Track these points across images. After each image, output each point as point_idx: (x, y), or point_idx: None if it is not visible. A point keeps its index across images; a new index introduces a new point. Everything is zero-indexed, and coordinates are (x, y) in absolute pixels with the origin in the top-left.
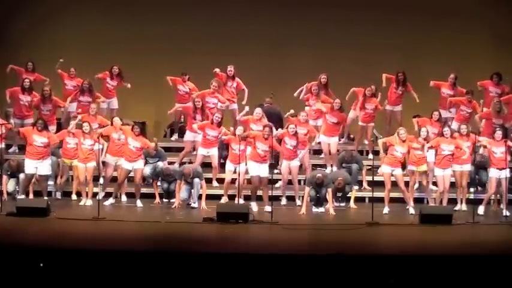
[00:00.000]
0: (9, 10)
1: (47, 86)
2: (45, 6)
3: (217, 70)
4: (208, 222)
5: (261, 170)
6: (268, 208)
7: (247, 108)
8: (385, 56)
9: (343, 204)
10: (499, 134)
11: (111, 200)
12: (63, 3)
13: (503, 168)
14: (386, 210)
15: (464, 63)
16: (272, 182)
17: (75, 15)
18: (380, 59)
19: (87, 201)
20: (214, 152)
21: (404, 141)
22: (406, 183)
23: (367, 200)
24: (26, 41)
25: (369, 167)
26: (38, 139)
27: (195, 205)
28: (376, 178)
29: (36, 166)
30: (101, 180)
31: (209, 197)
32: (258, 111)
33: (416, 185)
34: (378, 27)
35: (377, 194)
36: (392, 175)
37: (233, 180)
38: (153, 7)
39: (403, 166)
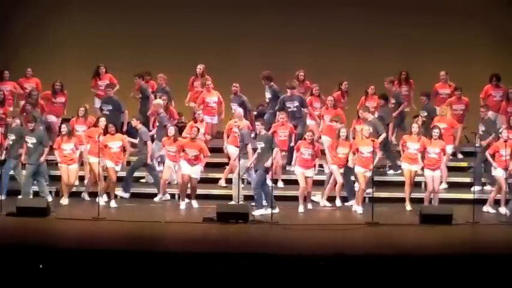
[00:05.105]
0: (9, 9)
1: (58, 82)
2: (45, 5)
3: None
4: (208, 222)
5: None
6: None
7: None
8: (385, 55)
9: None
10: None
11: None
12: (63, 2)
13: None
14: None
15: (464, 62)
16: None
17: (75, 13)
18: (380, 58)
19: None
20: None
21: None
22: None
23: (367, 199)
24: (26, 40)
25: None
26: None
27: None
28: (376, 178)
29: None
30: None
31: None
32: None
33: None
34: (378, 26)
35: (377, 194)
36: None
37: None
38: (153, 7)
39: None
